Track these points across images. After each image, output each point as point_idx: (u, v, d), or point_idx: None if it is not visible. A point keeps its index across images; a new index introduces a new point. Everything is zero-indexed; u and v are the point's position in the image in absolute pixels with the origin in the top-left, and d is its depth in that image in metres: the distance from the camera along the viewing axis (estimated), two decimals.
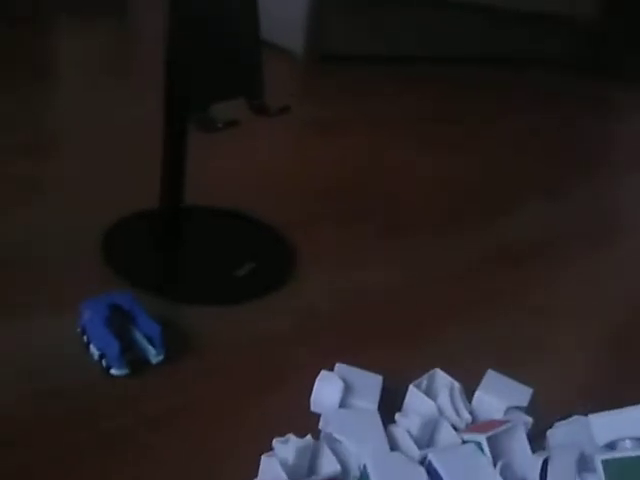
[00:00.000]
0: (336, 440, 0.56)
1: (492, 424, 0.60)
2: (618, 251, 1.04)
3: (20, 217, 0.86)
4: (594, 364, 0.78)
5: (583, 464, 0.58)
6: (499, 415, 0.63)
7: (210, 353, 0.68)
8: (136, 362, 0.64)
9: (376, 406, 0.60)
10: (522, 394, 0.64)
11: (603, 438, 0.56)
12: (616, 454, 0.54)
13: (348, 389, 0.61)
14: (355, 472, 0.54)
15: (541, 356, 0.76)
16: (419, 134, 1.29)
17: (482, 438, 0.56)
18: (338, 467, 0.53)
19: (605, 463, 0.54)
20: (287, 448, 0.52)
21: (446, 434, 0.59)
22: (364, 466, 0.52)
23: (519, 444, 0.58)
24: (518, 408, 0.64)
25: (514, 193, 1.14)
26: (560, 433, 0.62)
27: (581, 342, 0.82)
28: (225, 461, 0.56)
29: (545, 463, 0.57)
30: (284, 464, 0.51)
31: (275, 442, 0.53)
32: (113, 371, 0.62)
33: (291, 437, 0.53)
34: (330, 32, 1.59)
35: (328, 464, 0.53)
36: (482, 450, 0.56)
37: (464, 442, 0.58)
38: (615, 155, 1.42)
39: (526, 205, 1.10)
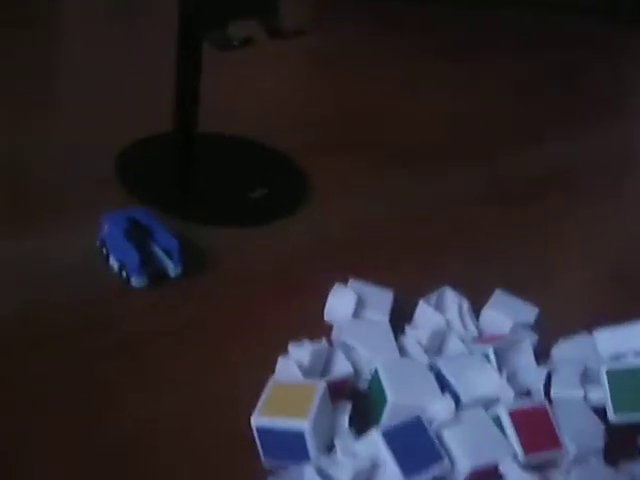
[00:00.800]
0: (349, 347, 0.58)
1: (499, 338, 0.62)
2: (622, 191, 1.05)
3: (37, 137, 0.86)
4: (600, 291, 0.80)
5: (587, 377, 0.60)
6: (505, 332, 0.65)
7: (227, 269, 0.70)
8: (154, 276, 0.66)
9: (387, 318, 0.63)
10: (529, 312, 0.66)
11: (607, 352, 0.59)
12: (620, 365, 0.57)
13: (360, 302, 0.63)
14: (366, 375, 0.57)
15: (547, 283, 0.78)
16: (425, 71, 1.28)
17: (489, 348, 0.58)
18: (351, 369, 0.55)
19: (609, 373, 0.57)
20: (302, 351, 0.55)
21: (454, 345, 0.62)
22: (375, 370, 0.55)
23: (525, 356, 0.61)
24: (524, 325, 0.66)
25: (518, 133, 1.13)
26: (564, 349, 0.65)
27: (586, 271, 0.83)
28: (241, 365, 0.59)
29: (549, 375, 0.60)
30: (300, 365, 0.54)
31: (291, 346, 0.56)
32: (133, 282, 0.64)
33: (306, 342, 0.56)
34: None
35: (341, 366, 0.56)
36: (489, 360, 0.58)
37: (471, 353, 0.60)
38: (625, 100, 1.40)
39: (528, 146, 1.10)
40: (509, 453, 0.51)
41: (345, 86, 1.16)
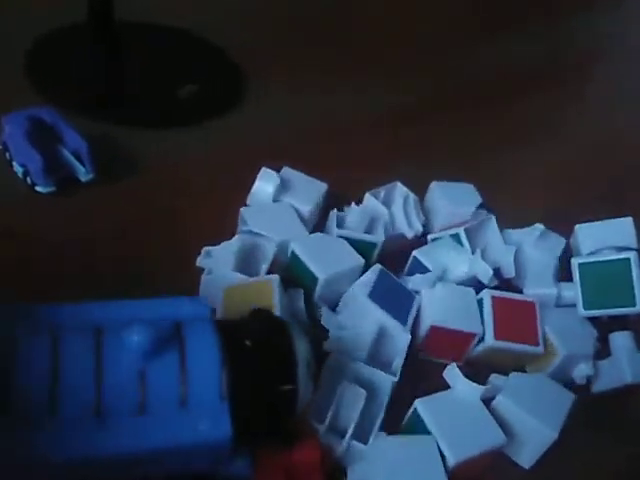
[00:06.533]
0: (257, 235, 0.55)
1: (462, 223, 0.61)
2: (582, 89, 0.99)
3: None
4: (553, 188, 0.76)
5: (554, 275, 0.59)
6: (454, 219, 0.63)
7: (147, 174, 0.65)
8: (65, 181, 0.61)
9: (309, 208, 0.59)
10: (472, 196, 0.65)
11: (587, 247, 0.58)
12: (591, 258, 0.56)
13: (287, 189, 0.60)
14: (281, 260, 0.54)
15: (500, 181, 0.73)
16: None
17: (460, 230, 0.58)
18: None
19: (581, 266, 0.56)
20: (210, 260, 0.52)
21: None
22: (292, 251, 0.53)
23: (491, 235, 0.60)
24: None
25: (480, 29, 1.05)
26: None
27: (538, 167, 0.79)
28: (160, 278, 0.54)
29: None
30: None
31: (199, 259, 0.53)
32: (38, 188, 0.60)
33: (212, 249, 0.53)
34: None
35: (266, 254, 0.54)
36: (460, 242, 0.58)
37: (434, 240, 0.60)
38: None
39: (483, 42, 1.01)
40: (477, 327, 0.52)
41: None
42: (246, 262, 0.52)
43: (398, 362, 0.49)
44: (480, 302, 0.54)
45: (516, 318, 0.53)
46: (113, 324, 0.38)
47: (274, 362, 0.39)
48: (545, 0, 1.18)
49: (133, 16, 0.77)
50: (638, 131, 0.91)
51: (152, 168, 0.66)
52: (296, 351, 0.39)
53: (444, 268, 0.56)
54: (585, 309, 0.55)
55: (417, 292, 0.54)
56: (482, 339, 0.52)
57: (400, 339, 0.50)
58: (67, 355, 0.36)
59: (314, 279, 0.52)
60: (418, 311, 0.53)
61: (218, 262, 0.51)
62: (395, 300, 0.52)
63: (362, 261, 0.54)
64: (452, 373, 0.48)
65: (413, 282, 0.55)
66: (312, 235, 0.56)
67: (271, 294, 0.48)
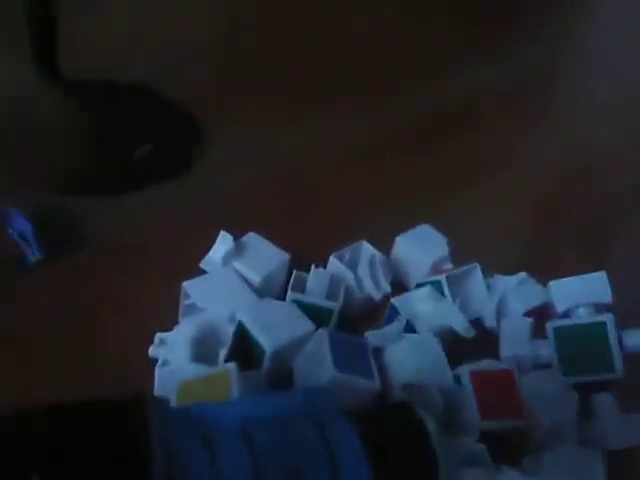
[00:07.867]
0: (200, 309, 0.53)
1: (446, 270, 0.59)
2: (549, 115, 0.96)
3: None
4: (522, 227, 0.74)
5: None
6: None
7: (100, 246, 0.62)
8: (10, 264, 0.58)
9: (260, 278, 0.56)
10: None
11: (563, 304, 0.57)
12: (567, 321, 0.55)
13: (243, 256, 0.58)
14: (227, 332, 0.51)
15: (469, 224, 0.71)
16: None
17: (442, 278, 0.56)
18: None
19: (556, 330, 0.55)
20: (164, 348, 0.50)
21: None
22: (239, 322, 0.51)
23: (476, 283, 0.59)
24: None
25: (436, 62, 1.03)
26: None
27: (506, 207, 0.76)
28: (115, 359, 0.52)
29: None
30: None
31: (152, 348, 0.51)
32: None
33: (167, 336, 0.51)
34: None
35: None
36: (442, 290, 0.56)
37: (418, 285, 0.58)
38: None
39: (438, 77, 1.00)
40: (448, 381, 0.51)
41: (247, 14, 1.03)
42: (203, 346, 0.50)
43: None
44: (458, 379, 0.51)
45: (498, 392, 0.51)
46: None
47: (418, 462, 0.39)
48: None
49: (75, 73, 0.74)
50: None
51: (104, 239, 0.63)
52: (437, 451, 0.39)
53: (412, 318, 0.54)
54: (563, 375, 0.54)
55: (381, 349, 0.53)
56: None
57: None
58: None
59: (262, 351, 0.50)
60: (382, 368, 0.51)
61: (173, 351, 0.49)
62: (355, 357, 0.50)
63: (312, 327, 0.52)
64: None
65: (374, 338, 0.53)
66: (260, 301, 0.54)
67: (229, 386, 0.45)
